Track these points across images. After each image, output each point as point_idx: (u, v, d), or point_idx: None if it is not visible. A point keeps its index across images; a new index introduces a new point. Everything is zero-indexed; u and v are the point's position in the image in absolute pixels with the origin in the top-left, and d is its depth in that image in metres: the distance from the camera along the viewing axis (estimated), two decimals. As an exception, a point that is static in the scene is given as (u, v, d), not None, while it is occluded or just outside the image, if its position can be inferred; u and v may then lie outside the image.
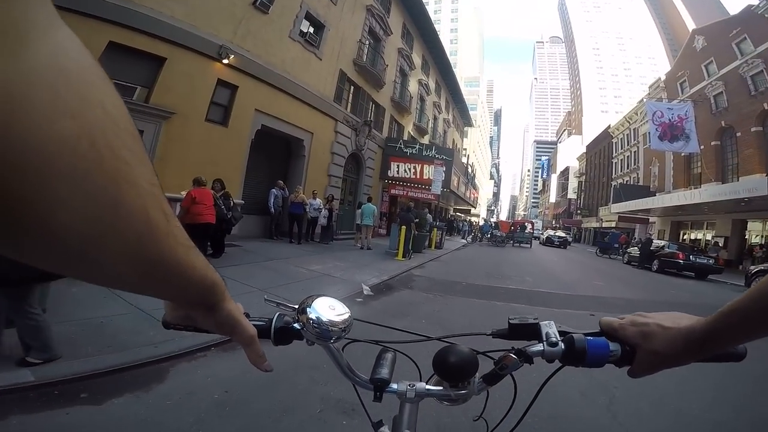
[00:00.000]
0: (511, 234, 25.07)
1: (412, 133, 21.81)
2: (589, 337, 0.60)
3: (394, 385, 0.68)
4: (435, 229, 14.61)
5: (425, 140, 22.36)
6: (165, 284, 0.35)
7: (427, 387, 0.69)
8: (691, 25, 71.51)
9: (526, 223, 28.57)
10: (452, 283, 7.72)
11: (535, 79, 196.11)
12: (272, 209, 10.32)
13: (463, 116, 36.24)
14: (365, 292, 5.96)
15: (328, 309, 0.62)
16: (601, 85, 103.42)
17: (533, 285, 8.61)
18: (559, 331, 0.62)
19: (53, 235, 0.22)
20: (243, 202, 9.69)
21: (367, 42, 15.13)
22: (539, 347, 0.61)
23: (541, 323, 0.63)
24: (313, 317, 0.60)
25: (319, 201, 11.23)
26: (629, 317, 0.60)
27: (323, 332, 0.60)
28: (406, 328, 0.77)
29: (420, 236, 12.12)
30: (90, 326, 3.44)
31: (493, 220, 46.90)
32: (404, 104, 19.24)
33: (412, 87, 20.64)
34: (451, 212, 34.55)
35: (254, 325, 0.56)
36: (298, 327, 0.62)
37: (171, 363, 3.11)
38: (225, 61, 8.84)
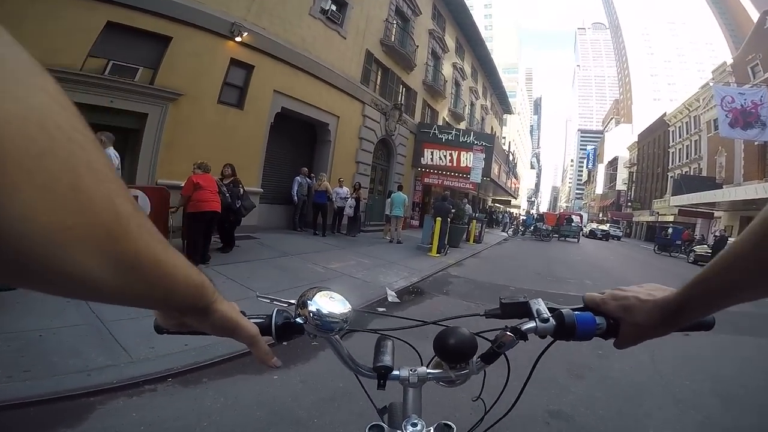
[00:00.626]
0: (557, 227, 23.08)
1: (447, 118, 20.46)
2: (576, 312, 0.62)
3: (397, 372, 0.70)
4: (474, 221, 13.27)
5: (462, 127, 20.87)
6: (146, 289, 0.31)
7: (428, 370, 0.71)
8: (752, 9, 67.14)
9: (573, 216, 26.30)
10: (498, 288, 6.52)
11: (578, 66, 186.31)
12: (295, 198, 9.62)
13: (502, 103, 34.09)
14: (389, 299, 4.90)
15: (329, 301, 0.61)
16: (652, 72, 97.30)
17: (596, 289, 7.04)
18: (548, 308, 0.64)
19: (11, 233, 0.20)
20: (262, 190, 9.02)
21: (395, 22, 14.05)
22: (532, 324, 0.62)
23: (530, 301, 0.65)
24: (314, 310, 0.59)
25: (345, 189, 10.34)
26: (609, 292, 0.62)
27: (325, 325, 0.60)
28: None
29: (457, 229, 10.88)
30: (21, 341, 2.63)
31: (535, 211, 44.25)
32: (438, 88, 17.93)
33: (446, 71, 19.25)
34: (489, 203, 32.68)
35: (254, 323, 0.54)
36: (301, 321, 0.61)
37: (102, 398, 2.24)
38: (238, 39, 8.06)
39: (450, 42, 19.10)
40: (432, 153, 16.19)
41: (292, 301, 0.64)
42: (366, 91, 12.67)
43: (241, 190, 6.38)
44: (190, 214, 5.37)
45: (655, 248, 22.98)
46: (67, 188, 0.22)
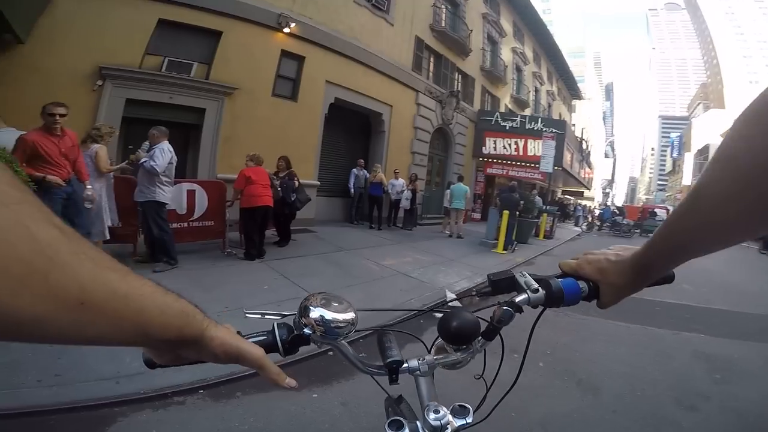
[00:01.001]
0: (639, 221, 20.56)
1: (509, 105, 19.12)
2: (560, 280, 0.65)
3: (406, 364, 0.68)
4: (545, 214, 12.06)
5: (527, 113, 19.36)
6: (111, 328, 0.27)
7: (435, 357, 0.71)
8: None
9: (657, 209, 23.29)
10: (576, 289, 5.58)
11: (654, 49, 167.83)
12: (352, 190, 9.42)
13: (569, 88, 31.33)
14: (449, 302, 4.29)
15: (331, 307, 0.59)
16: (745, 53, 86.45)
17: (699, 297, 5.73)
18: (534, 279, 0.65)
19: None
20: (318, 183, 8.89)
21: (444, 6, 13.23)
22: (524, 296, 0.64)
23: (516, 275, 0.67)
24: (318, 318, 0.57)
25: (401, 181, 9.86)
26: (581, 257, 0.66)
27: (330, 332, 0.58)
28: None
29: (526, 223, 9.87)
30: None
31: (612, 203, 40.23)
32: (497, 74, 16.74)
33: (506, 55, 17.96)
34: (559, 194, 30.20)
35: (256, 342, 0.52)
36: (309, 332, 0.57)
37: (125, 410, 2.00)
38: (286, 30, 7.91)
39: (507, 26, 17.84)
40: (495, 142, 15.11)
41: (285, 313, 0.63)
42: (419, 79, 12.07)
43: (296, 182, 6.15)
44: (243, 210, 5.26)
45: (761, 248, 19.36)
46: None
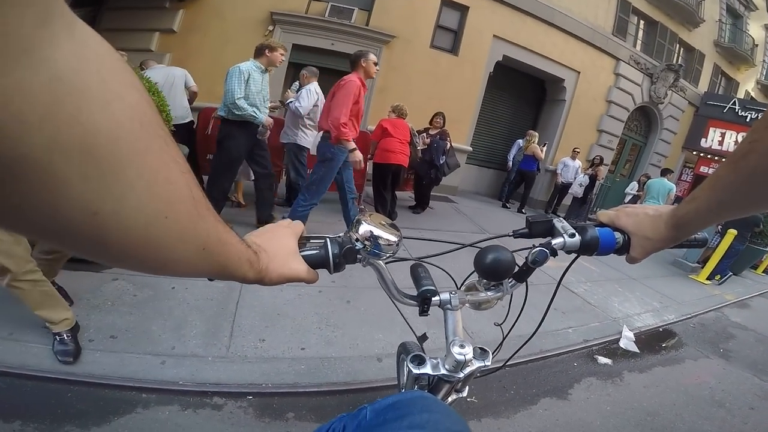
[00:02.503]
0: None
1: (752, 92, 13.80)
2: (598, 228, 0.65)
3: (437, 297, 0.69)
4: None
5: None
6: (208, 264, 0.33)
7: (467, 293, 0.72)
8: None
9: None
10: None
11: None
12: (510, 164, 7.85)
13: None
14: (623, 345, 2.89)
15: (381, 226, 0.59)
16: None
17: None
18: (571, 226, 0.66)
19: (124, 221, 0.23)
20: (470, 149, 7.88)
21: None
22: (560, 240, 0.64)
23: (554, 219, 0.68)
24: (367, 232, 0.57)
25: (577, 163, 7.94)
26: (620, 209, 0.67)
27: (376, 247, 0.58)
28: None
29: (753, 251, 6.74)
30: (150, 290, 2.21)
31: None
32: (741, 52, 12.06)
33: (755, 32, 12.73)
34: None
35: (309, 256, 0.55)
36: (360, 246, 0.58)
37: (151, 399, 1.55)
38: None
39: (759, -1, 12.44)
40: (722, 134, 11.01)
41: (328, 234, 0.60)
42: (621, 45, 9.36)
43: (448, 144, 5.26)
44: (375, 165, 4.68)
45: None
46: (164, 182, 0.24)
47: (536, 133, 7.73)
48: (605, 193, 9.54)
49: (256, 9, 6.07)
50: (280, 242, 0.50)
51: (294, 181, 4.23)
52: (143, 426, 1.38)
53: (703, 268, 5.85)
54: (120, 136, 0.20)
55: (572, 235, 0.63)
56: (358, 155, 3.19)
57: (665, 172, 7.44)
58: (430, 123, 5.43)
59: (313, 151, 4.61)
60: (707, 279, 5.68)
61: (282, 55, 3.41)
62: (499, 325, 0.77)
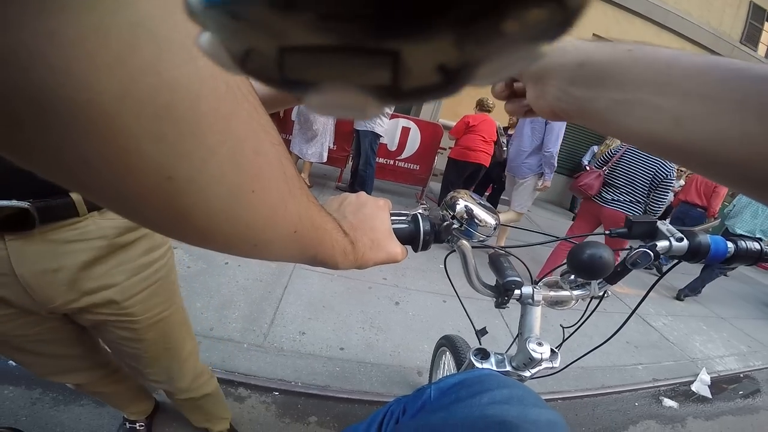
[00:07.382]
0: None
1: None
2: (711, 235, 0.61)
3: (519, 290, 0.67)
4: None
5: None
6: (298, 249, 0.30)
7: (550, 289, 0.69)
8: None
9: None
10: None
11: None
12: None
13: None
14: (695, 388, 2.48)
15: (480, 206, 0.55)
16: None
17: None
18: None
19: (203, 191, 0.20)
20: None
21: None
22: (666, 243, 0.61)
23: (658, 222, 0.64)
24: (465, 208, 0.54)
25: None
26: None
27: (472, 226, 0.54)
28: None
29: None
30: (202, 263, 2.24)
31: None
32: None
33: None
34: None
35: (399, 230, 0.49)
36: (457, 225, 0.54)
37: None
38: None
39: None
40: None
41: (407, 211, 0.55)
42: (751, 55, 8.16)
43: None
44: (452, 161, 4.38)
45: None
46: (251, 152, 0.21)
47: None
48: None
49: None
50: (376, 224, 0.45)
51: (362, 168, 4.14)
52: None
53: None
54: (202, 94, 0.17)
55: (680, 239, 0.60)
56: None
57: None
58: (509, 123, 4.99)
59: (385, 140, 4.55)
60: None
61: None
62: (572, 326, 0.74)
